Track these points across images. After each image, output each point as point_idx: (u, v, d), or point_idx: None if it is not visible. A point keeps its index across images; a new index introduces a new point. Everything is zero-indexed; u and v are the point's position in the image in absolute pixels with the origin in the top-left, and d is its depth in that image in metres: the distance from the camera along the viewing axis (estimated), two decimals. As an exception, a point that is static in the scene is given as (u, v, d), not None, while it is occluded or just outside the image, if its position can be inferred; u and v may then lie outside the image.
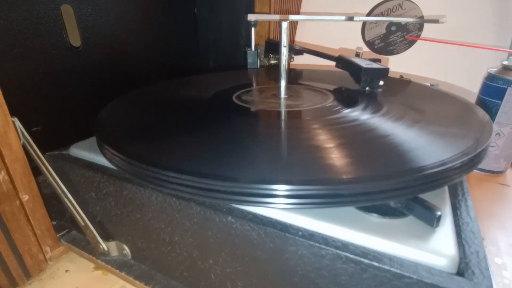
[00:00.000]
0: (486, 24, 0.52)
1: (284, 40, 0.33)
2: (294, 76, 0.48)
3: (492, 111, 0.42)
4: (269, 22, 0.59)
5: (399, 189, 0.19)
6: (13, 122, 0.27)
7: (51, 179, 0.29)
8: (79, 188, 0.29)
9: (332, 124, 0.28)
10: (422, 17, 0.57)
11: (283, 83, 0.36)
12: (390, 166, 0.21)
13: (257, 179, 0.20)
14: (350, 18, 0.36)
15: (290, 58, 0.51)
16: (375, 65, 0.37)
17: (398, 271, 0.16)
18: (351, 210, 0.21)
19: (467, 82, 0.54)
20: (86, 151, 0.29)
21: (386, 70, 0.37)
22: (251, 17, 0.35)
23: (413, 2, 0.57)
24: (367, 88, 0.37)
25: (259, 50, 0.54)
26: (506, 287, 0.27)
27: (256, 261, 0.21)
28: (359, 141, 0.25)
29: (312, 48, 0.50)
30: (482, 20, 0.53)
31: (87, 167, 0.28)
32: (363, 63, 0.38)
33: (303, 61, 0.59)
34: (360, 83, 0.37)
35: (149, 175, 0.22)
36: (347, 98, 0.35)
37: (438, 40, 0.54)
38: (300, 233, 0.19)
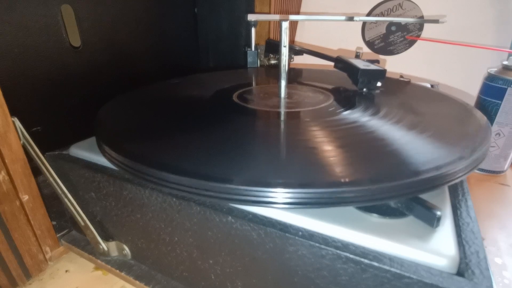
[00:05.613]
0: (486, 24, 0.52)
1: (284, 40, 0.33)
2: (294, 76, 0.48)
3: (492, 111, 0.42)
4: (269, 22, 0.59)
5: (399, 189, 0.19)
6: (13, 122, 0.27)
7: (51, 179, 0.29)
8: (79, 188, 0.29)
9: (332, 125, 0.28)
10: (422, 17, 0.57)
11: (283, 83, 0.36)
12: (390, 167, 0.21)
13: (257, 179, 0.20)
14: (350, 18, 0.36)
15: (290, 58, 0.51)
16: (372, 67, 0.37)
17: (398, 271, 0.16)
18: (351, 210, 0.21)
19: (467, 82, 0.54)
20: (86, 151, 0.29)
21: (383, 71, 0.37)
22: (251, 17, 0.35)
23: (413, 2, 0.57)
24: (364, 89, 0.37)
25: (259, 50, 0.54)
26: (506, 287, 0.27)
27: (256, 261, 0.21)
28: (359, 142, 0.25)
29: (312, 48, 0.50)
30: (482, 20, 0.53)
31: (87, 167, 0.28)
32: (361, 65, 0.38)
33: (303, 61, 0.59)
34: (357, 84, 0.37)
35: (149, 175, 0.22)
36: (348, 99, 0.35)
37: (438, 40, 0.55)
38: (300, 233, 0.19)
